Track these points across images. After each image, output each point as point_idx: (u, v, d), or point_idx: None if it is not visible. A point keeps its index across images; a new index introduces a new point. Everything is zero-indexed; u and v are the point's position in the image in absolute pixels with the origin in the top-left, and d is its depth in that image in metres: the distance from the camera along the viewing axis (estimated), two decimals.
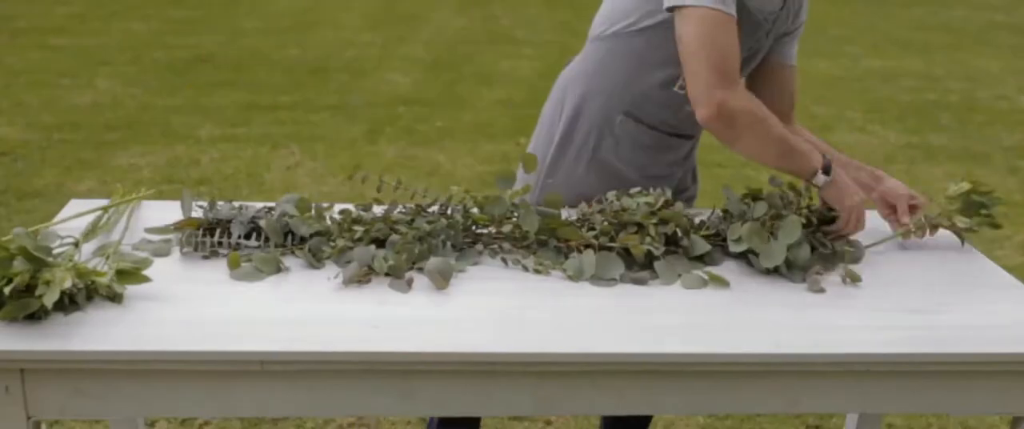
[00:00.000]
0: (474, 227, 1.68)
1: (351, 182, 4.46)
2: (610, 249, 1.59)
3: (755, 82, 1.90)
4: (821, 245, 1.64)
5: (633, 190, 1.73)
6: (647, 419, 2.24)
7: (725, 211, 1.72)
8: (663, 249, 1.59)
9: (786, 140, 1.66)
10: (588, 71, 1.85)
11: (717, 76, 1.59)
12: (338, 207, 1.72)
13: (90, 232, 1.57)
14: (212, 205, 1.65)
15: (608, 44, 1.81)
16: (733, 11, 1.62)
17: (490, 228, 1.69)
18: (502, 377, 1.34)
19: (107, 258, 1.48)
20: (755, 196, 1.72)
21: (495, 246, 1.64)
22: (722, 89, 1.59)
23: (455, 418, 2.04)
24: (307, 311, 1.40)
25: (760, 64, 1.88)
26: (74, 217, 1.63)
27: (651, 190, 1.72)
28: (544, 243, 1.64)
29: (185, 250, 1.56)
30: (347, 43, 8.33)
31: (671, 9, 1.65)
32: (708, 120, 1.61)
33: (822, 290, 1.53)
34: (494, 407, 1.36)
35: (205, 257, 1.56)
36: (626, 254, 1.58)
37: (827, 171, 1.67)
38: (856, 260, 1.67)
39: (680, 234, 1.63)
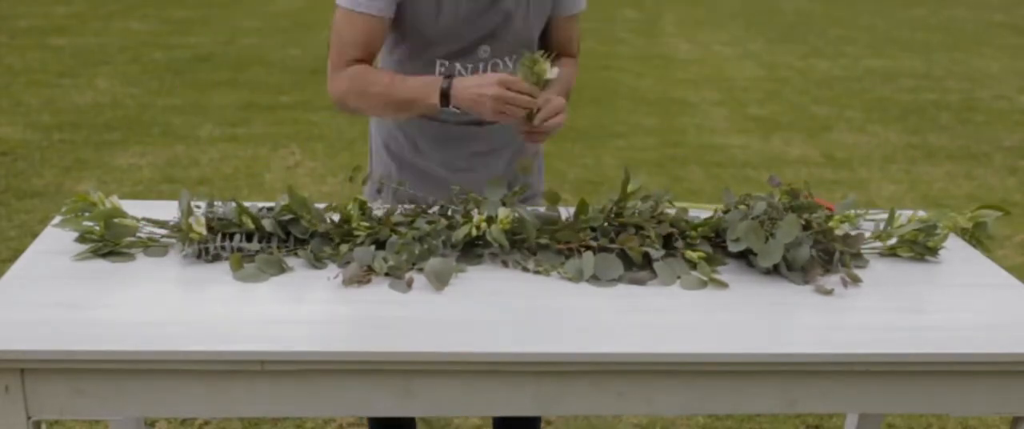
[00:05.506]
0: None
1: (351, 182, 4.46)
2: (609, 250, 1.59)
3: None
4: (822, 250, 1.64)
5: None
6: (537, 420, 2.24)
7: (725, 211, 1.72)
8: (662, 251, 1.59)
9: (390, 94, 1.78)
10: None
11: (332, 68, 1.82)
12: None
13: None
14: (210, 205, 1.65)
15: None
16: (371, 9, 1.74)
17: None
18: (502, 377, 1.34)
19: None
20: (754, 196, 1.72)
21: (495, 247, 1.64)
22: (331, 80, 1.82)
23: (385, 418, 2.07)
24: (307, 311, 1.40)
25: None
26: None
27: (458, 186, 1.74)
28: (544, 245, 1.64)
29: (185, 253, 1.56)
30: None
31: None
32: (334, 105, 1.87)
33: (830, 292, 1.53)
34: (494, 407, 1.36)
35: (207, 260, 1.56)
36: (625, 255, 1.58)
37: (445, 95, 1.71)
38: (857, 256, 1.67)
39: (677, 235, 1.64)
